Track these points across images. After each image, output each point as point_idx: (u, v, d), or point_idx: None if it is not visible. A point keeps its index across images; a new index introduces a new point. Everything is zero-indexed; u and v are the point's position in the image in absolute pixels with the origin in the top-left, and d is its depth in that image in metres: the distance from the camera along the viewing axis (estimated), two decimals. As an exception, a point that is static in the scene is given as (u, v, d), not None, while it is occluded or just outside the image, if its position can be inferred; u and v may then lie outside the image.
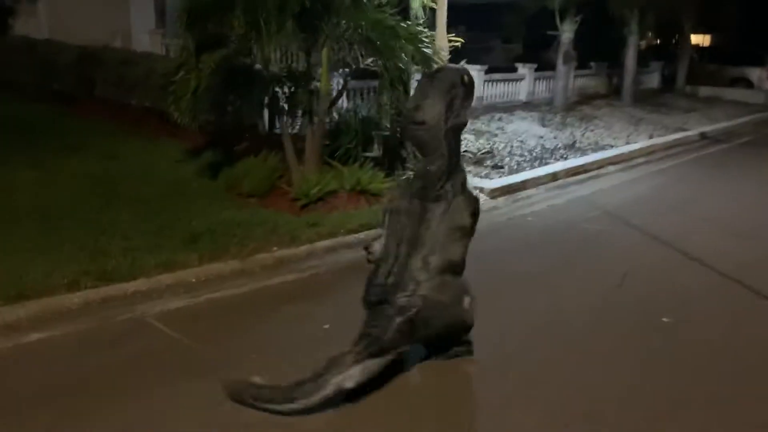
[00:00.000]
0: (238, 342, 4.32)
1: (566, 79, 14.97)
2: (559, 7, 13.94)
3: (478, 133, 11.88)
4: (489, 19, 22.56)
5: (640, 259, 6.18)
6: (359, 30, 6.60)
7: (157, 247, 5.69)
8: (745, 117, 17.03)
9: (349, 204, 7.42)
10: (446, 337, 3.83)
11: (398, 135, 8.62)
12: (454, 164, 3.64)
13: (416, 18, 9.26)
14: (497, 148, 11.13)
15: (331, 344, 3.64)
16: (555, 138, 12.23)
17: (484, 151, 10.73)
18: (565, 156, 10.94)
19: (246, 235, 6.14)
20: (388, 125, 8.50)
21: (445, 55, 11.13)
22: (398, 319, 3.44)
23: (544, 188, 9.20)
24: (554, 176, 9.64)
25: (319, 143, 7.64)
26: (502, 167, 9.93)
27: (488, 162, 10.17)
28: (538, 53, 19.03)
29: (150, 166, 8.39)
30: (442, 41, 8.33)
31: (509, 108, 14.82)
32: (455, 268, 3.67)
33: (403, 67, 6.76)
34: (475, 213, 3.75)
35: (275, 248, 6.04)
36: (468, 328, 3.84)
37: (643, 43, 23.63)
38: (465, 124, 3.73)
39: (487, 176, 9.31)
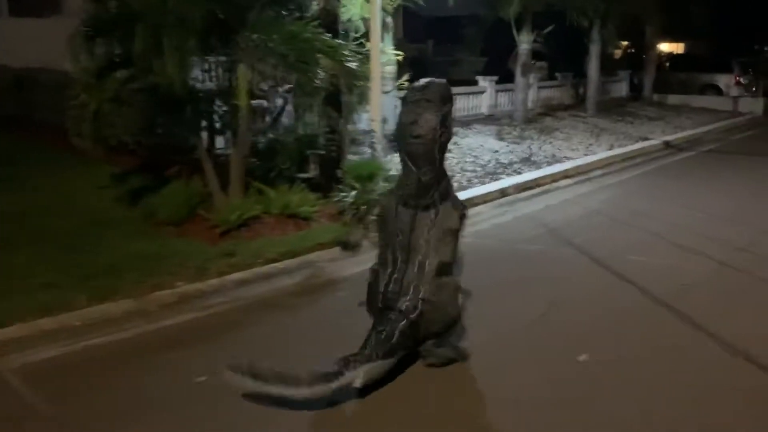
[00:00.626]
0: (93, 402, 3.76)
1: (525, 91, 14.64)
2: (514, 18, 13.60)
3: (431, 149, 11.47)
4: (457, 32, 22.36)
5: (573, 283, 5.76)
6: (270, 44, 6.17)
7: (46, 288, 5.20)
8: (711, 124, 16.78)
9: (275, 230, 6.96)
10: (444, 334, 4.03)
11: (333, 154, 8.23)
12: (441, 173, 3.95)
13: (355, 31, 8.89)
14: (449, 164, 10.67)
15: (193, 402, 3.17)
16: (511, 152, 11.86)
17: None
18: (518, 170, 10.56)
19: (150, 269, 5.68)
20: (323, 144, 8.15)
21: (391, 69, 10.83)
22: (403, 323, 3.70)
23: (492, 205, 8.80)
24: (503, 192, 9.24)
25: (241, 165, 7.19)
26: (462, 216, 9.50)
27: None
28: (504, 65, 18.80)
29: (71, 195, 7.92)
30: (375, 54, 7.93)
31: (468, 122, 14.45)
32: (448, 269, 3.95)
33: (317, 83, 6.33)
34: (463, 216, 4.06)
35: (180, 283, 5.56)
36: (459, 319, 4.13)
37: (618, 52, 23.49)
38: (452, 136, 4.06)
39: None
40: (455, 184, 9.25)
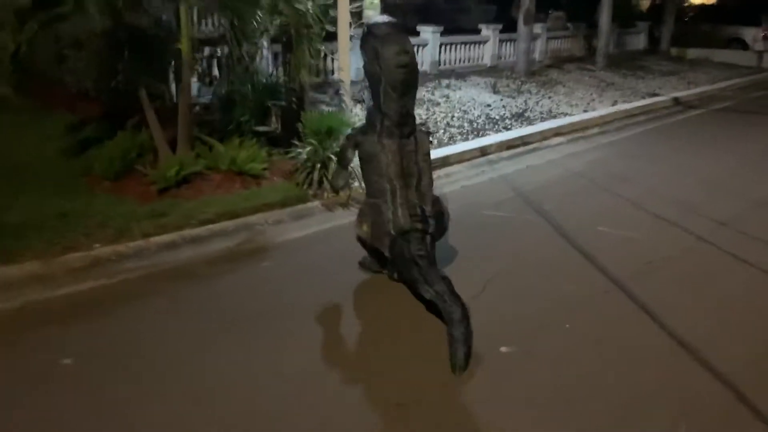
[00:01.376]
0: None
1: (528, 41, 13.78)
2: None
3: (418, 102, 10.78)
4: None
5: (525, 258, 5.21)
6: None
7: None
8: (730, 80, 15.80)
9: (220, 188, 6.47)
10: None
11: (294, 106, 7.64)
12: (410, 110, 4.22)
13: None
14: (434, 119, 10.08)
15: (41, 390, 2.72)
16: (504, 107, 11.14)
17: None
18: (508, 127, 9.89)
19: (67, 228, 5.23)
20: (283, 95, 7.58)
21: (373, 14, 10.09)
22: (428, 239, 4.13)
23: (469, 165, 8.19)
24: (483, 151, 8.60)
25: (186, 116, 6.64)
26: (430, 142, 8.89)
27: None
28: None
29: (14, 145, 7.44)
30: None
31: (466, 74, 13.69)
32: (433, 186, 4.41)
33: (256, 27, 5.71)
34: (429, 135, 4.63)
35: (97, 245, 5.12)
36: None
37: (645, 3, 22.23)
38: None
39: None
40: (436, 141, 8.75)
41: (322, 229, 5.95)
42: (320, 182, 6.63)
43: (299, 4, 6.22)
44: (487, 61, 15.04)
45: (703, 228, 5.76)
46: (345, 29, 7.62)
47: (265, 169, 6.76)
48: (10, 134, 7.79)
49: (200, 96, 8.60)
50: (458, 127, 9.71)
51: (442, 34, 13.76)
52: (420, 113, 10.25)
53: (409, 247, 4.00)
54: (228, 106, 7.71)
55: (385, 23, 4.23)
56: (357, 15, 8.24)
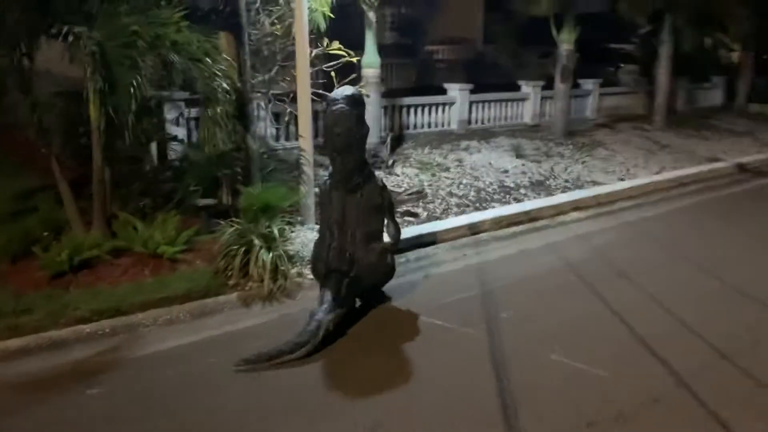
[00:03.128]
0: None
1: (565, 99, 12.42)
2: (551, 14, 11.48)
3: (424, 167, 9.69)
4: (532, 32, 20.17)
5: (418, 400, 3.93)
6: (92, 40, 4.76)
7: None
8: (815, 143, 13.70)
9: (125, 274, 5.61)
10: (378, 286, 5.27)
11: (239, 178, 6.73)
12: (363, 161, 4.87)
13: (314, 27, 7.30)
14: (437, 186, 8.92)
15: None
16: (524, 173, 9.83)
17: (411, 191, 8.55)
18: (520, 198, 8.60)
19: None
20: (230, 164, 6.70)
21: (373, 72, 9.18)
22: (345, 280, 4.78)
23: (450, 246, 6.96)
24: (473, 229, 7.34)
25: (99, 190, 5.86)
26: (416, 214, 7.75)
27: (408, 206, 7.99)
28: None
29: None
30: (301, 51, 6.29)
31: (500, 133, 12.49)
32: (376, 236, 4.99)
33: (135, 85, 4.84)
34: (383, 193, 4.99)
35: None
36: (392, 273, 5.28)
37: (735, 56, 20.20)
38: (368, 131, 4.90)
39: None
40: (425, 214, 7.63)
41: (222, 332, 4.91)
42: (244, 270, 5.61)
43: (202, 65, 5.33)
44: (527, 119, 13.76)
45: (697, 367, 4.27)
46: (305, 89, 6.70)
47: (183, 251, 5.84)
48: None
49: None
50: (461, 197, 8.51)
51: (474, 91, 12.67)
52: (424, 179, 9.15)
53: (328, 283, 4.79)
54: (180, 174, 6.94)
55: (337, 96, 4.74)
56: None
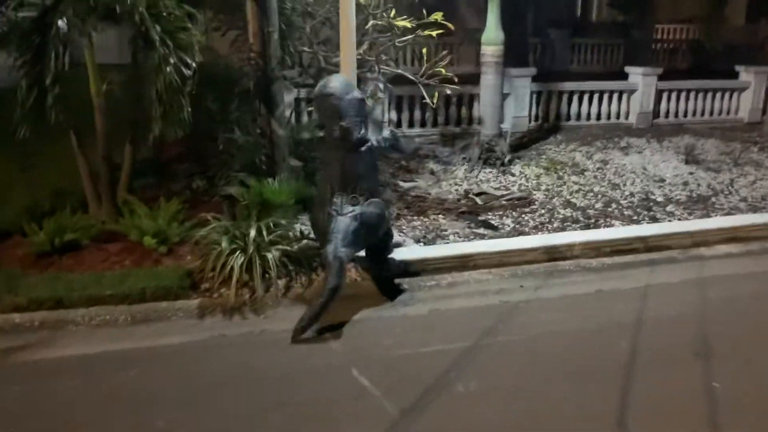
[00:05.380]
0: None
1: (785, 89, 9.42)
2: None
3: (552, 167, 7.99)
4: None
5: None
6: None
7: None
8: None
9: (106, 261, 5.24)
10: (383, 241, 5.22)
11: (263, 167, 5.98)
12: (359, 127, 4.68)
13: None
14: (557, 192, 7.27)
15: None
16: (687, 183, 7.61)
17: (514, 195, 7.06)
18: (658, 217, 6.61)
19: None
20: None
21: (494, 50, 7.66)
22: (353, 226, 4.67)
23: (516, 272, 5.47)
24: (552, 254, 5.69)
25: (104, 169, 5.54)
26: (493, 226, 6.30)
27: (489, 215, 6.59)
28: None
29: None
30: (345, 26, 5.23)
31: (691, 130, 10.02)
32: (375, 192, 4.95)
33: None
34: (375, 150, 4.89)
35: None
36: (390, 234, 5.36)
37: None
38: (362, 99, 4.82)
39: (445, 235, 6.01)
40: (530, 222, 6.24)
41: (136, 347, 4.26)
42: (217, 273, 4.86)
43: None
44: (743, 114, 10.88)
45: None
46: (349, 66, 5.67)
47: (180, 243, 5.27)
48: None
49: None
50: (578, 209, 6.79)
51: (662, 77, 10.30)
52: (544, 183, 7.53)
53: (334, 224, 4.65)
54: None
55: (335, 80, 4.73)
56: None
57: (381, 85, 8.78)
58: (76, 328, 4.45)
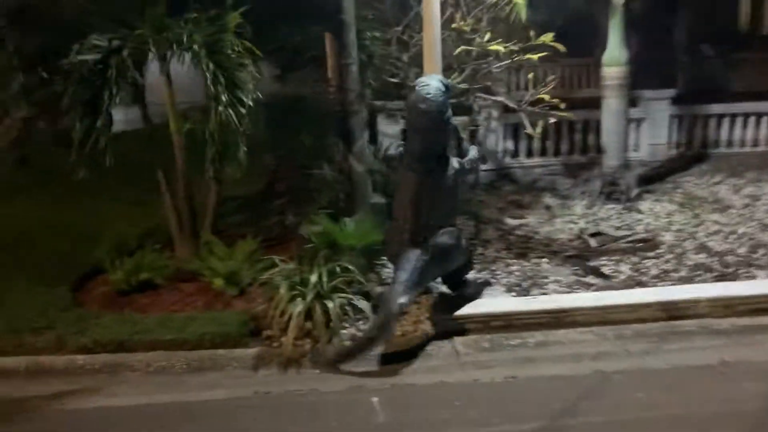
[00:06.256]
0: None
1: None
2: None
3: (688, 204, 6.93)
4: None
5: None
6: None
7: None
8: None
9: (179, 303, 5.17)
10: (457, 272, 4.91)
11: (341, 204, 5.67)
12: (440, 147, 4.44)
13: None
14: (691, 233, 6.28)
15: None
16: None
17: (635, 237, 6.18)
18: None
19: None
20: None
21: (617, 71, 6.76)
22: (421, 262, 4.39)
23: (625, 332, 4.65)
24: (670, 310, 4.78)
25: (184, 205, 5.49)
26: (605, 275, 5.49)
27: (612, 259, 5.78)
28: None
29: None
30: (428, 38, 4.75)
31: None
32: (452, 220, 4.69)
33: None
34: (457, 174, 4.55)
35: None
36: (468, 259, 5.06)
37: None
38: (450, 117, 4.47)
39: (545, 284, 5.33)
40: (651, 270, 5.53)
41: (182, 400, 4.05)
42: (277, 320, 4.57)
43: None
44: None
45: None
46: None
47: (248, 284, 5.05)
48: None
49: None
50: (715, 255, 5.78)
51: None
52: (676, 222, 6.56)
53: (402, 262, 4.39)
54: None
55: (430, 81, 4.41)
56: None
57: (494, 112, 8.23)
58: (132, 374, 4.35)
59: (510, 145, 8.40)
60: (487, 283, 5.30)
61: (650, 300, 4.84)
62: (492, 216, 7.02)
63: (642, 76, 8.31)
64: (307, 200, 6.27)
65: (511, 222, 6.86)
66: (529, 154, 8.54)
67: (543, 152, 8.54)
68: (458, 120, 6.64)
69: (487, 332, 4.64)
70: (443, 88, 4.35)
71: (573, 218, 6.87)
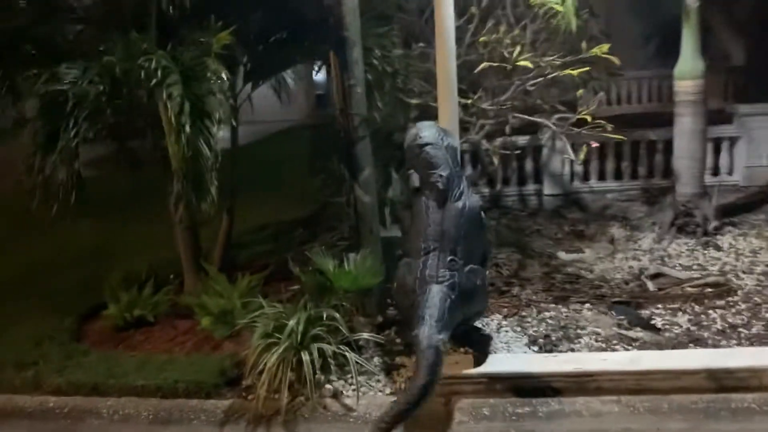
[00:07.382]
0: None
1: None
2: None
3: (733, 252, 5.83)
4: None
5: None
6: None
7: None
8: None
9: (171, 341, 4.90)
10: (472, 320, 4.37)
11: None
12: (458, 178, 4.15)
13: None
14: (743, 274, 5.26)
15: None
16: None
17: (704, 280, 5.23)
18: None
19: None
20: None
21: (692, 85, 5.83)
22: (449, 300, 3.88)
23: (662, 406, 3.82)
24: (719, 379, 3.87)
25: (186, 239, 5.21)
26: (655, 328, 4.63)
27: (670, 308, 4.90)
28: None
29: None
30: (442, 56, 4.17)
31: None
32: (477, 257, 4.20)
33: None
34: (479, 207, 4.23)
35: None
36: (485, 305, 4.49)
37: None
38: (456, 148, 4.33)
39: (578, 336, 4.55)
40: (716, 323, 4.70)
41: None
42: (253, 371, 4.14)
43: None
44: None
45: None
46: (448, 110, 4.59)
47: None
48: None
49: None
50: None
51: None
52: (765, 260, 5.52)
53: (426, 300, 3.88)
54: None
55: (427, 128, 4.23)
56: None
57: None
58: (96, 422, 4.08)
59: (579, 166, 7.54)
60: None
61: (698, 366, 3.94)
62: (544, 249, 6.25)
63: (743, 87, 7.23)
64: (329, 230, 5.87)
65: (564, 257, 6.05)
66: (601, 176, 7.64)
67: (618, 175, 7.61)
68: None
69: (490, 396, 3.96)
70: (443, 137, 4.14)
71: (637, 254, 5.95)
